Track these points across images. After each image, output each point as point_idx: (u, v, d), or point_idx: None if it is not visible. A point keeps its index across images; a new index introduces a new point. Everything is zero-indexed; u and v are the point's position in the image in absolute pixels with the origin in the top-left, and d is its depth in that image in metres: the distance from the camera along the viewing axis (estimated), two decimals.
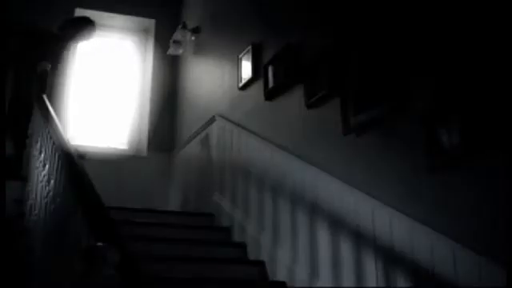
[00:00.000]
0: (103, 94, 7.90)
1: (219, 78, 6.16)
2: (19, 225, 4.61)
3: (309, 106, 4.16)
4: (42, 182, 4.13)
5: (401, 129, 3.21)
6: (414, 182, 3.05)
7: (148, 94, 7.81)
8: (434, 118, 2.91)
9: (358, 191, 3.45)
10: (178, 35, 7.26)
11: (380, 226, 3.21)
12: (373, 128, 3.44)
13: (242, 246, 4.76)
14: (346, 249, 3.51)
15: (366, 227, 3.34)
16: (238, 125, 5.32)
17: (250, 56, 5.28)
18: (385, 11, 3.47)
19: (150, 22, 8.02)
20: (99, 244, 1.86)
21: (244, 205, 4.98)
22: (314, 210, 3.91)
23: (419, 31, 3.13)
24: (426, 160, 2.93)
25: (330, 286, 3.60)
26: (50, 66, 5.47)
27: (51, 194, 3.66)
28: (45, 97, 5.00)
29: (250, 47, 5.30)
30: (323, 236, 3.79)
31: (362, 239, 3.37)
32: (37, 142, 4.72)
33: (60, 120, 4.34)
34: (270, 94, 4.81)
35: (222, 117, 5.69)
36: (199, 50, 7.08)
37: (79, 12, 7.61)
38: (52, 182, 3.71)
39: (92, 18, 7.71)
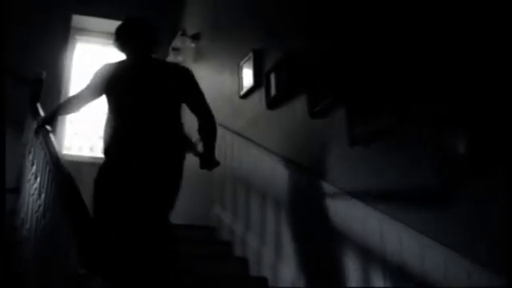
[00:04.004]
0: (101, 103, 7.73)
1: (220, 85, 6.00)
2: (12, 238, 4.44)
3: (313, 116, 4.00)
4: (33, 195, 3.98)
5: (410, 140, 3.03)
6: (423, 194, 2.90)
7: None
8: (443, 128, 2.78)
9: (365, 205, 3.30)
10: (177, 42, 7.12)
11: (388, 240, 3.06)
12: (380, 139, 3.27)
13: (244, 261, 4.60)
14: (353, 264, 3.36)
15: (374, 242, 3.19)
16: (239, 134, 5.15)
17: (251, 63, 5.13)
18: (393, 16, 3.29)
19: None
20: (83, 272, 1.70)
21: (245, 218, 4.82)
22: (320, 223, 3.74)
23: (428, 39, 2.96)
24: (435, 172, 2.80)
25: None
26: (44, 73, 5.28)
27: (42, 208, 3.51)
28: (38, 105, 4.84)
29: (251, 54, 5.15)
30: (329, 251, 3.63)
31: (369, 254, 3.22)
32: (30, 152, 4.55)
33: (54, 130, 4.18)
34: (272, 103, 4.64)
35: (223, 126, 5.51)
36: (199, 57, 6.94)
37: (76, 19, 7.47)
38: (43, 195, 3.55)
39: (89, 24, 7.66)
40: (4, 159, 4.29)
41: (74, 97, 4.04)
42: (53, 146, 3.57)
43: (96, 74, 3.82)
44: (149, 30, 3.81)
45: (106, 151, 3.58)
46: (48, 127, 3.95)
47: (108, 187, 3.43)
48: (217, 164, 3.85)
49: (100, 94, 3.81)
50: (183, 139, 3.69)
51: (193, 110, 3.82)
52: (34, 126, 4.23)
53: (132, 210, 3.34)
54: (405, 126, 3.06)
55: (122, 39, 3.78)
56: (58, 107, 4.17)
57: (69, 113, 4.26)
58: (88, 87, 3.86)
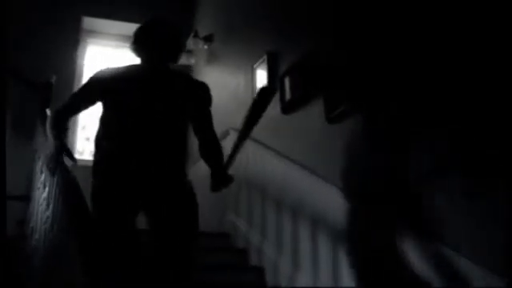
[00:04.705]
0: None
1: (233, 89, 5.86)
2: (20, 247, 4.32)
3: (330, 121, 3.85)
4: (41, 204, 3.87)
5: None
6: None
7: None
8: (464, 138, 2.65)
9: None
10: (189, 44, 6.98)
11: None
12: None
13: (260, 270, 4.48)
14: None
15: None
16: (254, 140, 5.01)
17: (265, 66, 4.98)
18: (422, 16, 3.15)
19: None
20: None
21: (261, 225, 4.70)
22: (338, 235, 3.60)
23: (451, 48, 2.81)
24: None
25: None
26: (54, 78, 5.16)
27: (49, 220, 3.39)
28: (48, 111, 4.72)
29: (265, 57, 5.00)
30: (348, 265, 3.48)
31: None
32: (39, 159, 4.44)
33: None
34: (287, 107, 4.50)
35: (236, 131, 5.37)
36: (212, 59, 6.81)
37: (86, 21, 7.35)
38: (51, 206, 3.44)
39: (100, 26, 7.54)
40: (4, 163, 4.16)
41: (64, 110, 3.36)
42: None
43: (93, 79, 3.29)
44: (171, 35, 3.29)
45: (100, 164, 3.13)
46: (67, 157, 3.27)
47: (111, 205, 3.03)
48: (230, 180, 3.39)
49: (94, 103, 3.30)
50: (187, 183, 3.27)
51: (198, 128, 3.42)
52: (48, 153, 3.51)
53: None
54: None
55: (138, 42, 3.28)
56: (59, 129, 3.33)
57: (66, 128, 3.43)
58: (81, 94, 3.35)
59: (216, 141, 3.46)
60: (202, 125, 3.40)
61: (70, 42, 7.13)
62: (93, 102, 3.31)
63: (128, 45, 3.39)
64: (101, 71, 3.28)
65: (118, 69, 3.29)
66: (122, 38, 7.63)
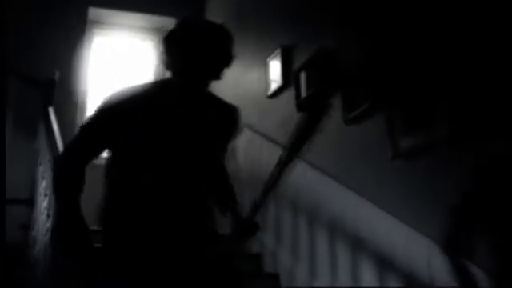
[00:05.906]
0: None
1: (246, 83, 5.64)
2: (23, 254, 4.13)
3: (347, 122, 3.64)
4: (43, 213, 3.68)
5: (461, 155, 2.63)
6: None
7: None
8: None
9: (408, 227, 2.97)
10: None
11: (437, 269, 2.67)
12: (428, 152, 2.90)
13: (275, 277, 4.30)
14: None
15: (421, 270, 2.86)
16: (268, 138, 4.78)
17: (279, 60, 4.76)
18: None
19: (169, 21, 7.48)
20: None
21: (276, 230, 4.52)
22: (357, 242, 3.46)
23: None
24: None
25: None
26: (57, 74, 4.93)
27: (49, 233, 3.20)
28: (51, 110, 4.48)
29: (279, 50, 4.78)
30: (367, 273, 3.35)
31: (414, 280, 2.91)
32: (41, 164, 4.22)
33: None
34: (302, 105, 4.26)
35: (250, 128, 5.14)
36: None
37: (92, 11, 7.11)
38: (51, 218, 3.24)
39: (107, 17, 7.28)
40: (4, 167, 3.95)
41: (76, 153, 2.25)
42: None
43: (106, 108, 2.26)
44: (221, 45, 2.34)
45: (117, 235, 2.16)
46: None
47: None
48: (258, 228, 2.48)
49: (111, 141, 2.25)
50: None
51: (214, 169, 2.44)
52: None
53: None
54: (457, 139, 2.70)
55: (172, 51, 2.33)
56: (69, 189, 2.21)
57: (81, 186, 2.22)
58: (94, 135, 2.26)
59: (230, 183, 2.61)
60: (219, 163, 2.51)
61: (75, 34, 6.88)
62: (110, 140, 2.26)
63: (159, 53, 2.45)
64: (116, 97, 2.27)
65: (140, 91, 2.31)
66: (127, 28, 7.41)
